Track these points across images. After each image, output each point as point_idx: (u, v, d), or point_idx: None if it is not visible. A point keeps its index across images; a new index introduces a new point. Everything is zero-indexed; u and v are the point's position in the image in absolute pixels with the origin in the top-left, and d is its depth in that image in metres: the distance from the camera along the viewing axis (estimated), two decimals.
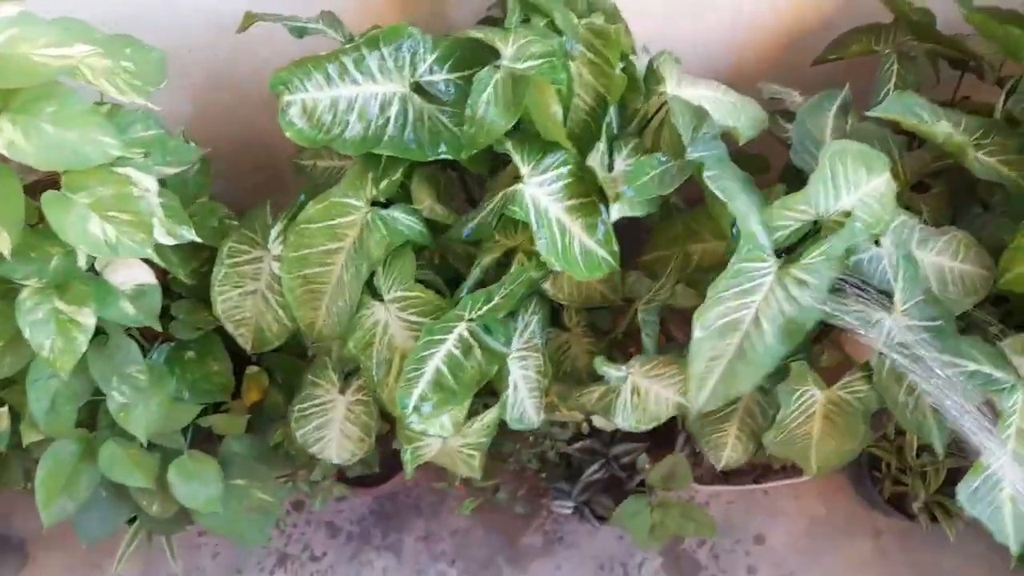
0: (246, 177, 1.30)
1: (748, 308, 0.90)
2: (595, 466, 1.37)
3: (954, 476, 1.45)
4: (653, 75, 1.04)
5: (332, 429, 1.05)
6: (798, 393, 0.98)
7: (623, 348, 1.16)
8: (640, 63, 1.07)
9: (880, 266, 0.97)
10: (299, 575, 1.56)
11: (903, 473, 1.42)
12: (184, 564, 1.54)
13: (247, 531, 1.20)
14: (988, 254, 1.02)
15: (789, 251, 0.97)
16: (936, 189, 1.12)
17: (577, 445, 1.39)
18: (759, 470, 1.54)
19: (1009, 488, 0.89)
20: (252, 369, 1.19)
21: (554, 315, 1.13)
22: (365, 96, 0.85)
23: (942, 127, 0.96)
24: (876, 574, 1.50)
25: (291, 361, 1.17)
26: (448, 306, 0.90)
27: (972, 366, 0.87)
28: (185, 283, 1.06)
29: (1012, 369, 0.88)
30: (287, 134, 0.83)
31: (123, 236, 0.80)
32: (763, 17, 1.32)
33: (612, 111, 1.03)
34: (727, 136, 1.06)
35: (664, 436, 1.35)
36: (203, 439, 1.19)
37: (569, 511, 1.37)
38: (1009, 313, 1.07)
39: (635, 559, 1.54)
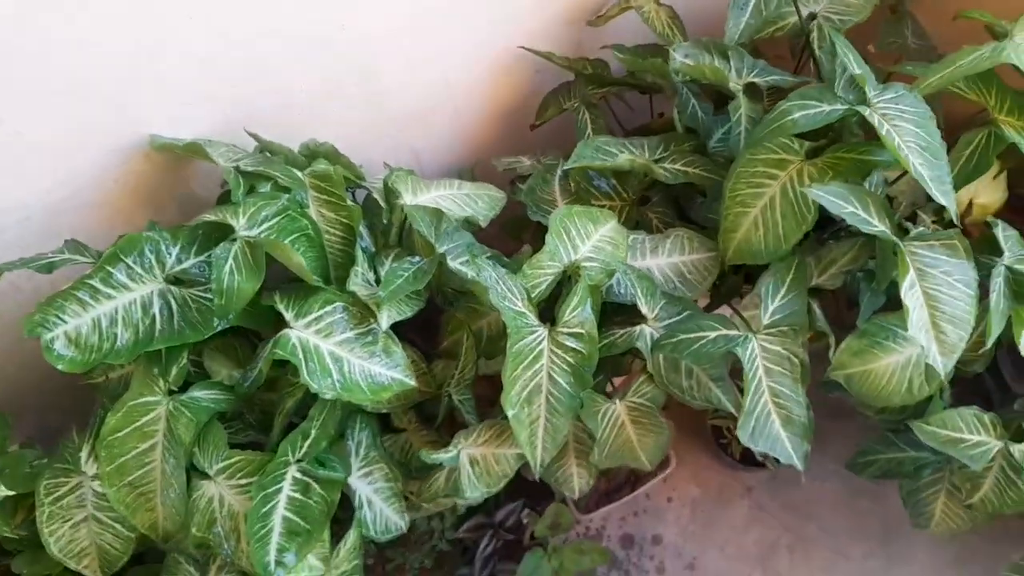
0: (52, 409, 1.30)
1: (540, 373, 1.02)
2: (484, 540, 1.44)
3: None
4: (391, 191, 1.17)
5: None
6: (600, 413, 1.11)
7: (458, 426, 1.25)
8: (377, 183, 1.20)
9: (625, 283, 1.14)
10: None
11: None
12: None
13: None
14: (710, 238, 1.22)
15: (553, 300, 1.11)
16: (656, 197, 1.33)
17: (464, 527, 1.46)
18: (632, 478, 1.68)
19: (777, 419, 1.06)
20: None
21: (385, 421, 1.21)
22: (125, 306, 0.92)
23: (623, 158, 1.16)
24: (760, 527, 1.66)
25: (155, 568, 1.16)
26: (270, 458, 0.96)
27: (713, 334, 1.04)
28: (16, 537, 1.04)
29: (743, 326, 1.06)
30: (59, 367, 0.87)
31: None
32: (476, 104, 1.51)
33: (364, 233, 1.15)
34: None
35: (537, 484, 1.45)
36: None
37: None
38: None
39: None
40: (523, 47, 1.40)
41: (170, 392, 0.98)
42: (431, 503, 1.16)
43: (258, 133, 1.20)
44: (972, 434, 1.21)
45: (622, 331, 1.12)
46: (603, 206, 1.29)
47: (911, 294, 1.00)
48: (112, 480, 0.97)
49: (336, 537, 1.06)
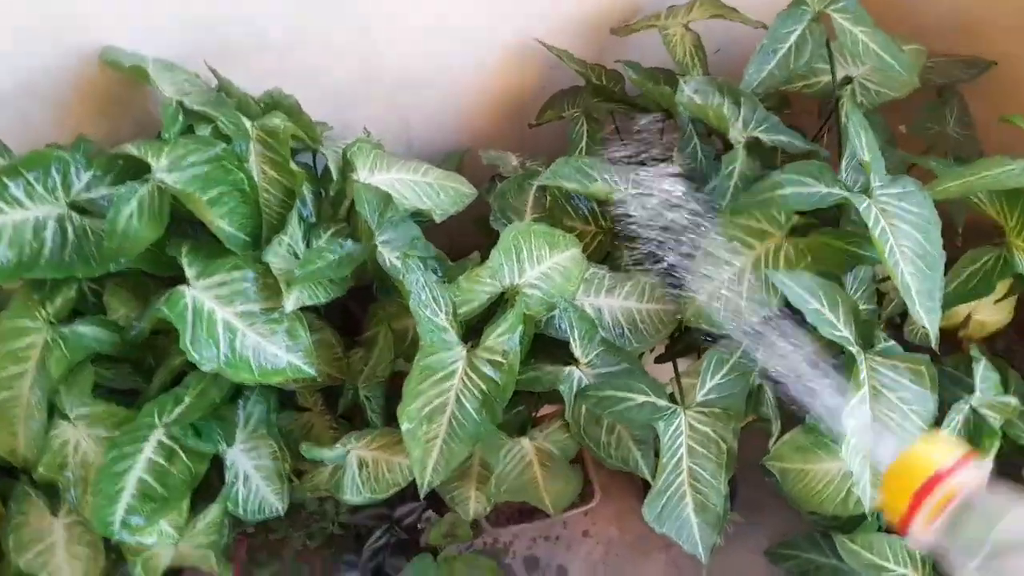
0: None
1: (447, 394, 0.95)
2: (378, 532, 1.39)
3: None
4: (348, 163, 1.09)
5: (56, 553, 1.01)
6: (504, 449, 1.04)
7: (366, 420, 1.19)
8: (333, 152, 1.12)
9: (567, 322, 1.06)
10: None
11: None
12: None
13: None
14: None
15: (486, 317, 1.03)
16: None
17: (361, 514, 1.40)
18: None
19: (691, 503, 0.98)
20: None
21: (290, 397, 1.15)
22: (15, 223, 0.85)
23: (597, 186, 1.06)
24: None
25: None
26: (133, 416, 0.90)
27: (641, 399, 0.96)
28: None
29: (677, 396, 0.98)
30: None
31: None
32: (479, 88, 1.41)
33: (309, 201, 1.08)
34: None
35: None
36: None
37: None
38: None
39: None
40: (539, 40, 1.30)
41: (53, 321, 0.92)
42: (313, 493, 1.11)
43: (230, 72, 1.11)
44: (897, 565, 1.13)
45: (551, 368, 1.04)
46: (574, 229, 1.20)
47: (856, 413, 0.90)
48: None
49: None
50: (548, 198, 1.19)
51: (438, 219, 1.11)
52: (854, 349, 0.91)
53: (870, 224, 0.90)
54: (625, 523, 1.64)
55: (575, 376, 1.03)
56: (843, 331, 0.91)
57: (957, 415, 0.95)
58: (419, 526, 1.38)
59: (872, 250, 0.95)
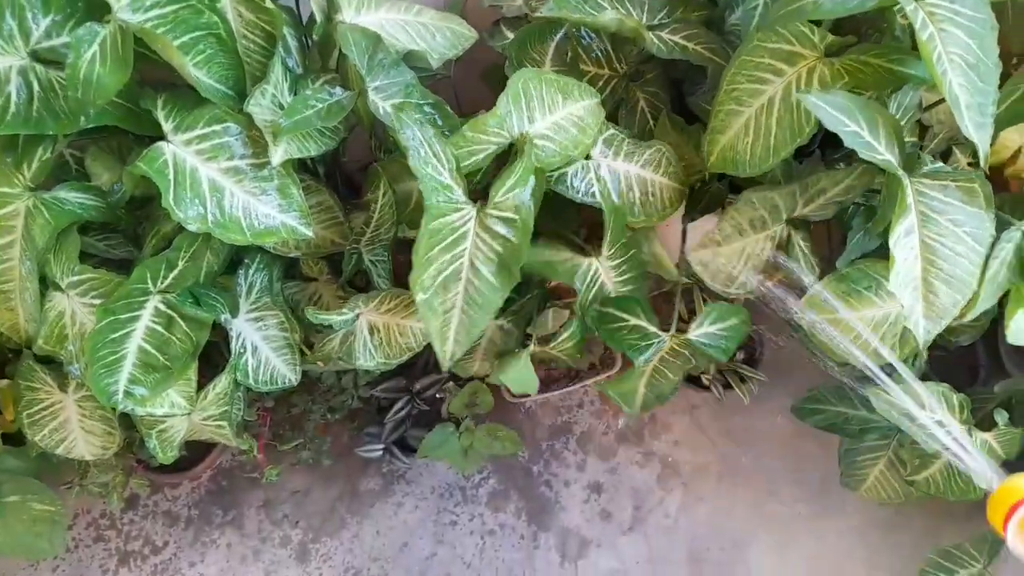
0: None
1: (460, 258, 0.89)
2: (399, 404, 1.38)
3: (742, 347, 1.54)
4: (332, 3, 0.99)
5: (71, 428, 1.01)
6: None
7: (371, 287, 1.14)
8: None
9: (586, 179, 0.98)
10: (143, 570, 1.54)
11: None
12: None
13: (35, 544, 1.16)
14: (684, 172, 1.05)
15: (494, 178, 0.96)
16: (649, 74, 1.13)
17: (381, 387, 1.39)
18: (572, 372, 1.59)
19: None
20: (1, 383, 1.12)
21: (296, 266, 1.11)
22: None
23: (607, 16, 0.96)
24: (694, 447, 1.58)
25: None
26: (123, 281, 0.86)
27: (633, 320, 0.91)
28: None
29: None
30: None
31: None
32: None
33: (294, 49, 0.99)
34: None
35: None
36: None
37: (378, 454, 1.38)
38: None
39: (472, 481, 1.57)
40: None
41: (34, 188, 0.87)
42: (325, 363, 1.08)
43: None
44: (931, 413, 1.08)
45: (567, 255, 0.97)
46: (587, 73, 1.11)
47: (905, 242, 0.83)
48: None
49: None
50: (570, 52, 1.09)
51: (434, 64, 1.02)
52: (899, 172, 0.83)
53: (917, 27, 0.79)
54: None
55: (593, 267, 0.97)
56: (885, 153, 0.83)
57: (1007, 243, 0.87)
58: (439, 396, 1.36)
59: (917, 67, 0.85)
